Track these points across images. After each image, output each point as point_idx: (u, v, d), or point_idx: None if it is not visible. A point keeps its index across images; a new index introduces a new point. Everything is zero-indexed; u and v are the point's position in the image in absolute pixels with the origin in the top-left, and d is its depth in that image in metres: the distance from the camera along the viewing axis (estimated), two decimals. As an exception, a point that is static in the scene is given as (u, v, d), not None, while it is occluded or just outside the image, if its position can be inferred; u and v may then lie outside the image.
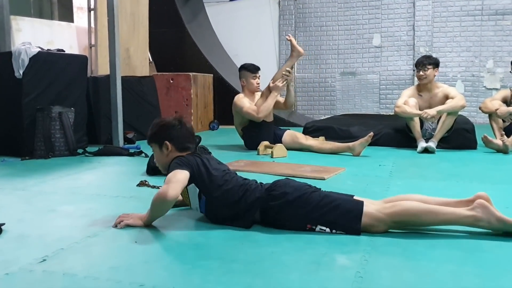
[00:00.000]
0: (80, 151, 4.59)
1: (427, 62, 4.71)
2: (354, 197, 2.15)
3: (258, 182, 2.29)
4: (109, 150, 4.61)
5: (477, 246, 1.90)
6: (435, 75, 4.76)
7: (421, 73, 4.70)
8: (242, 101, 4.74)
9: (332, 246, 1.88)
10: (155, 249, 1.91)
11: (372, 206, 2.05)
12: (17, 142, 4.45)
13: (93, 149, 4.64)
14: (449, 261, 1.74)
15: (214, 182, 2.17)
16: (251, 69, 4.83)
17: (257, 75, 4.86)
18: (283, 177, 2.36)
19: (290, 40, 4.80)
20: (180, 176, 2.09)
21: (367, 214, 2.00)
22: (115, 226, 2.15)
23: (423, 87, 4.81)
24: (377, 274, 1.62)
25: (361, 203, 2.05)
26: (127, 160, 4.28)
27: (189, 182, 2.15)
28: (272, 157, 4.29)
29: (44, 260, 1.77)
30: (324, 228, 2.04)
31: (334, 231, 2.03)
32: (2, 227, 2.13)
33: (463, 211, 1.97)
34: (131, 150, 4.57)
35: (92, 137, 5.15)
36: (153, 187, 3.03)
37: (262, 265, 1.70)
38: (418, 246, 1.90)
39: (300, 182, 2.21)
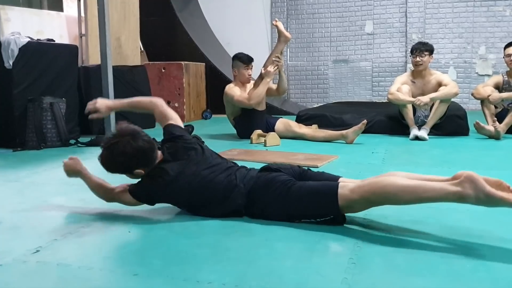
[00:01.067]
0: (72, 141, 4.56)
1: (424, 48, 4.72)
2: (340, 179, 2.13)
3: (243, 179, 2.15)
4: (102, 140, 4.57)
5: (467, 232, 1.92)
6: (430, 62, 4.77)
7: (418, 58, 4.70)
8: (233, 90, 4.73)
9: (325, 234, 1.89)
10: (148, 239, 1.91)
11: (347, 187, 1.94)
12: (8, 134, 4.41)
13: (86, 139, 4.62)
14: (440, 248, 1.75)
15: (190, 190, 2.11)
16: (244, 59, 4.78)
17: (250, 66, 4.83)
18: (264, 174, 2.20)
19: (277, 26, 4.76)
20: (127, 200, 2.16)
21: (342, 197, 1.91)
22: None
23: (416, 74, 4.81)
24: (370, 260, 1.64)
25: (334, 188, 1.95)
26: (120, 150, 4.25)
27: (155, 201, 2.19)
28: (265, 145, 4.29)
29: (38, 251, 1.76)
30: (308, 220, 2.02)
31: (318, 219, 2.00)
32: (-5, 218, 2.12)
33: (448, 186, 1.76)
34: (124, 140, 4.55)
35: (84, 127, 5.11)
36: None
37: (256, 253, 1.70)
38: (410, 233, 1.91)
39: (276, 178, 2.08)
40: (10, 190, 2.82)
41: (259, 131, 4.56)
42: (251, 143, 4.47)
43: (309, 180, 2.12)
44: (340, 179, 2.18)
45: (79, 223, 2.10)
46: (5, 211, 2.29)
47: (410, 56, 4.90)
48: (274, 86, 4.91)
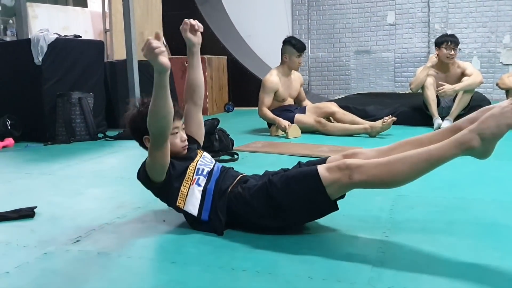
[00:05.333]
0: (100, 135, 4.68)
1: (458, 41, 4.75)
2: (328, 159, 1.91)
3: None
4: (129, 134, 4.67)
5: (494, 221, 1.95)
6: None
7: (452, 52, 4.69)
8: (268, 82, 4.65)
9: (353, 223, 1.94)
10: (182, 228, 1.97)
11: (330, 166, 1.70)
12: (39, 128, 4.55)
13: (113, 133, 4.73)
14: (467, 236, 1.79)
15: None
16: (298, 47, 4.64)
17: (303, 54, 4.73)
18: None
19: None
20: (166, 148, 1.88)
21: (328, 183, 1.68)
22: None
23: (440, 65, 4.79)
24: (398, 248, 1.68)
25: (317, 178, 1.68)
26: (146, 143, 4.35)
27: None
28: (287, 137, 4.34)
29: (78, 240, 1.85)
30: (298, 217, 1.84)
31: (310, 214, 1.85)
32: (35, 210, 2.22)
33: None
34: (150, 133, 4.64)
35: (111, 121, 5.21)
36: (175, 169, 3.10)
37: (287, 242, 1.76)
38: (437, 222, 1.95)
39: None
40: (45, 182, 2.93)
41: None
42: (271, 135, 4.53)
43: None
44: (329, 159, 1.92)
45: (115, 214, 2.19)
46: (43, 203, 2.38)
47: (441, 48, 4.70)
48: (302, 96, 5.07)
